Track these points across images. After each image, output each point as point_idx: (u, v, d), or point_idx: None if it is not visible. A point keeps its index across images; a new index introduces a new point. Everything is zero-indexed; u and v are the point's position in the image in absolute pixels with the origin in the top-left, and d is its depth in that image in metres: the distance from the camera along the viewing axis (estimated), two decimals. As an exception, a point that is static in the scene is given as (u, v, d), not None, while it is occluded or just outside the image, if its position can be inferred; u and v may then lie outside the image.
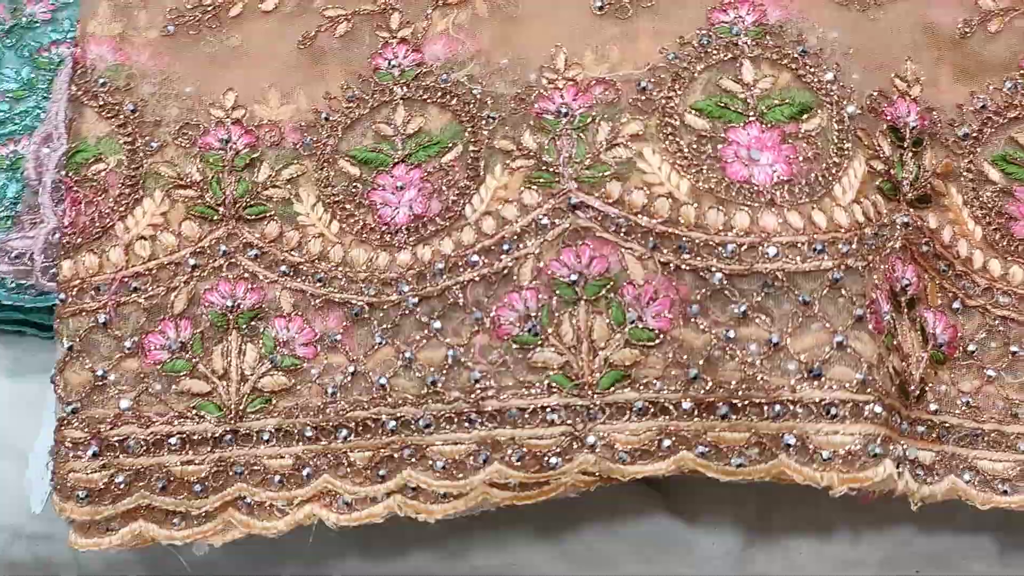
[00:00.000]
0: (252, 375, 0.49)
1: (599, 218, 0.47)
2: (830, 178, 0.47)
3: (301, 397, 0.48)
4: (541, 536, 0.58)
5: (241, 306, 0.49)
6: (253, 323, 0.49)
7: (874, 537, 0.56)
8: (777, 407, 0.44)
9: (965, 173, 0.51)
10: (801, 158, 0.47)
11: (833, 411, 0.44)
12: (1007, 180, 0.51)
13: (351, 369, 0.48)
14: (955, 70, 0.52)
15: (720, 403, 0.45)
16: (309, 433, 0.48)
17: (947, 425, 0.48)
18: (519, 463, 0.46)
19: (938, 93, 0.51)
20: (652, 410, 0.45)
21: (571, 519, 0.58)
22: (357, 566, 0.58)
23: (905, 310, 0.48)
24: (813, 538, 0.57)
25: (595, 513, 0.58)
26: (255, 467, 0.48)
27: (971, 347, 0.49)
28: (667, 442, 0.45)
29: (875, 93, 0.49)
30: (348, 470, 0.47)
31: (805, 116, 0.47)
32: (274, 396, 0.49)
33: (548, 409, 0.46)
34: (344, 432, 0.48)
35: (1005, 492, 0.47)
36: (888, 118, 0.49)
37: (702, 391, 0.45)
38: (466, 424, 0.46)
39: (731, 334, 0.45)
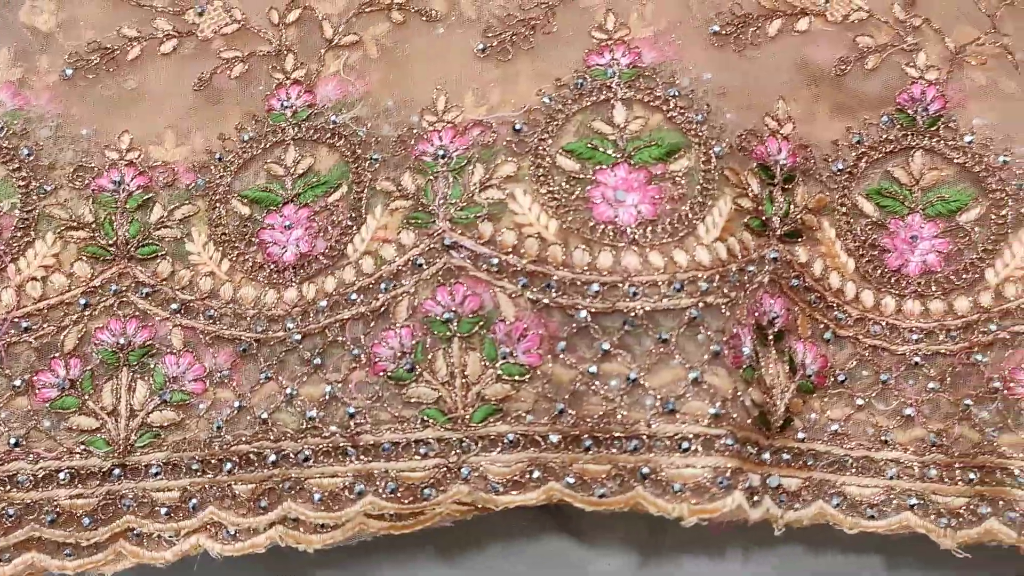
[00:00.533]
0: (141, 411, 0.50)
1: (472, 257, 0.48)
2: (694, 218, 0.48)
3: (189, 431, 0.50)
4: (444, 555, 0.59)
5: (132, 343, 0.51)
6: (144, 360, 0.51)
7: (764, 555, 0.57)
8: (635, 441, 0.46)
9: (839, 207, 0.52)
10: (667, 198, 0.48)
11: (685, 445, 0.45)
12: (881, 213, 0.52)
13: (237, 404, 0.50)
14: (832, 107, 0.53)
15: (584, 436, 0.46)
16: (195, 467, 0.50)
17: (815, 452, 0.49)
18: (392, 495, 0.47)
19: (814, 130, 0.52)
20: (523, 442, 0.47)
21: (473, 539, 0.60)
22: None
23: (772, 342, 0.49)
24: (705, 556, 0.59)
25: (495, 534, 0.59)
26: (143, 500, 0.49)
27: (841, 376, 0.50)
28: (537, 473, 0.47)
29: (745, 133, 0.50)
30: (232, 502, 0.49)
31: (673, 157, 0.49)
32: (163, 431, 0.50)
33: (421, 443, 0.48)
34: (228, 465, 0.49)
35: (872, 517, 0.49)
36: (758, 156, 0.50)
37: (568, 424, 0.46)
38: (342, 458, 0.48)
39: (594, 370, 0.47)
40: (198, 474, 0.49)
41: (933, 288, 0.51)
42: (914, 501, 0.49)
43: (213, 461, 0.49)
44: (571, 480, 0.46)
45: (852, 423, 0.50)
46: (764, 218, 0.50)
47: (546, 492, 0.46)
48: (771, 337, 0.49)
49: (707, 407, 0.45)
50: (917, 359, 0.50)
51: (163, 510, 0.49)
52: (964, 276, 0.51)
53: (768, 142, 0.51)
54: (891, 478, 0.49)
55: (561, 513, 0.58)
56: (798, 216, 0.51)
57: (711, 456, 0.45)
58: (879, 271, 0.51)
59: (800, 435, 0.49)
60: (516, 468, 0.47)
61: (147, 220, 0.52)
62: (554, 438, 0.46)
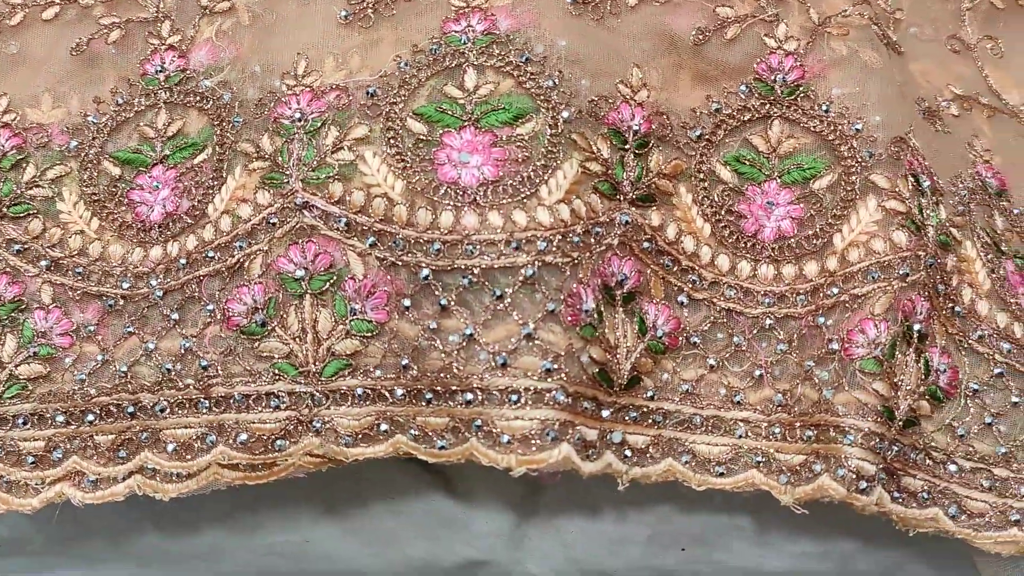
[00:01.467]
0: (10, 363, 0.52)
1: (323, 217, 0.50)
2: (537, 180, 0.49)
3: (55, 384, 0.52)
4: (329, 513, 0.61)
5: (2, 298, 0.52)
6: (14, 315, 0.52)
7: (639, 515, 0.59)
8: (469, 394, 0.47)
9: (696, 173, 0.53)
10: (510, 161, 0.49)
11: (515, 398, 0.47)
12: (739, 179, 0.53)
13: (101, 358, 0.51)
14: (692, 76, 0.54)
15: (426, 390, 0.48)
16: (60, 418, 0.51)
17: (664, 411, 0.50)
18: (244, 445, 0.49)
19: (675, 98, 0.54)
20: (371, 396, 0.48)
21: (358, 497, 0.62)
22: (152, 542, 0.61)
23: (620, 303, 0.50)
24: (580, 517, 0.60)
25: (379, 492, 0.61)
26: (10, 449, 0.51)
27: (695, 338, 0.51)
28: (384, 426, 0.48)
29: (597, 98, 0.52)
30: (94, 452, 0.51)
31: (520, 121, 0.50)
32: (30, 383, 0.52)
33: (273, 395, 0.49)
34: (91, 416, 0.51)
35: (720, 474, 0.50)
36: (610, 122, 0.52)
37: (412, 379, 0.48)
38: (195, 409, 0.50)
39: (435, 326, 0.48)
40: (62, 425, 0.51)
41: (786, 253, 0.52)
42: (759, 459, 0.50)
43: (76, 412, 0.51)
44: (415, 433, 0.48)
45: (705, 383, 0.51)
46: (614, 182, 0.51)
47: (393, 445, 0.48)
48: (619, 298, 0.50)
49: (539, 361, 0.47)
50: (769, 321, 0.51)
51: (29, 459, 0.51)
52: (815, 241, 0.52)
53: (621, 108, 0.52)
54: (739, 437, 0.50)
55: (444, 474, 0.60)
56: (651, 181, 0.52)
57: (540, 409, 0.46)
58: (735, 236, 0.52)
59: (649, 394, 0.50)
60: (365, 422, 0.48)
61: (20, 179, 0.54)
62: (399, 392, 0.48)
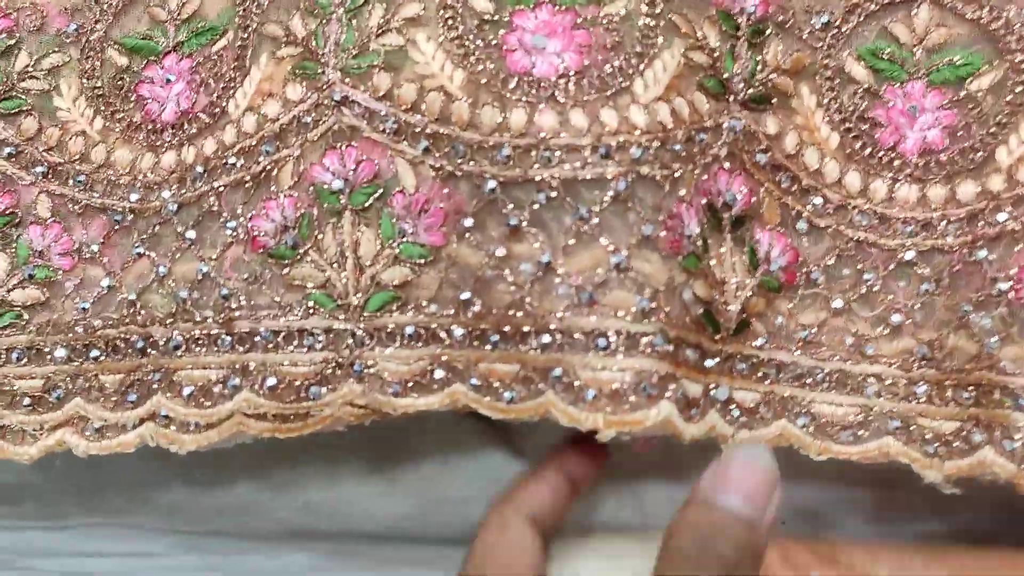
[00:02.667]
0: (2, 287, 0.44)
1: (367, 115, 0.41)
2: (630, 71, 0.40)
3: (55, 312, 0.44)
4: (376, 470, 0.54)
5: (-8, 211, 0.45)
6: (6, 230, 0.45)
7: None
8: (545, 336, 0.38)
9: (822, 70, 0.43)
10: (597, 47, 0.40)
11: (603, 342, 0.38)
12: (875, 78, 0.43)
13: (106, 283, 0.44)
14: None
15: (491, 331, 0.39)
16: (60, 353, 0.44)
17: (778, 363, 0.41)
18: (272, 392, 0.41)
19: None
20: (424, 336, 0.40)
21: (407, 453, 0.54)
22: (179, 495, 0.54)
23: (728, 228, 0.41)
24: (660, 479, 0.53)
25: (430, 447, 0.54)
26: (3, 387, 0.44)
27: (816, 274, 0.42)
28: (439, 373, 0.40)
29: None
30: (99, 394, 0.43)
31: None
32: (26, 311, 0.44)
33: (306, 333, 0.41)
34: (95, 352, 0.43)
35: (846, 441, 0.41)
36: (718, 2, 0.41)
37: (474, 316, 0.39)
38: (215, 347, 0.42)
39: (503, 252, 0.39)
40: (63, 361, 0.44)
41: (934, 170, 0.42)
42: (896, 424, 0.41)
43: (78, 346, 0.44)
44: (476, 382, 0.39)
45: (827, 330, 0.42)
46: (723, 77, 0.41)
47: (450, 396, 0.40)
48: (727, 222, 0.41)
49: (633, 297, 0.38)
50: (910, 255, 0.42)
51: (25, 400, 0.44)
52: (971, 156, 0.42)
53: None
54: (870, 396, 0.41)
55: (504, 429, 0.52)
56: (768, 78, 0.42)
57: (634, 357, 0.38)
58: (869, 149, 0.43)
59: (760, 341, 0.41)
60: (416, 367, 0.40)
61: (10, 69, 0.45)
62: (458, 332, 0.39)
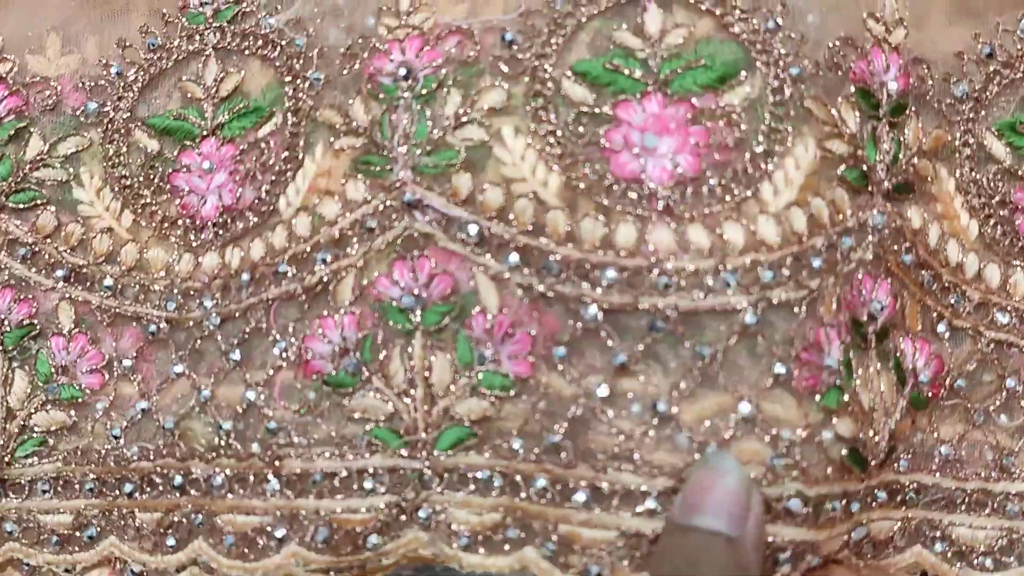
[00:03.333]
0: (22, 410, 0.39)
1: (443, 222, 0.35)
2: (756, 174, 0.33)
3: (83, 438, 0.39)
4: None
5: (8, 321, 0.39)
6: (23, 343, 0.39)
7: None
8: (651, 501, 0.32)
9: (961, 148, 0.37)
10: (716, 145, 0.33)
11: None
12: (1015, 157, 0.37)
13: (141, 406, 0.38)
14: (951, 4, 0.38)
15: (580, 486, 0.33)
16: (91, 485, 0.38)
17: (918, 486, 0.36)
18: (324, 544, 0.35)
19: (927, 38, 0.38)
20: (500, 483, 0.34)
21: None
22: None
23: (872, 344, 0.35)
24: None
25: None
26: (28, 524, 0.39)
27: (959, 382, 0.37)
28: (513, 531, 0.34)
29: (838, 43, 0.35)
30: (135, 534, 0.38)
31: (729, 83, 0.34)
32: (50, 436, 0.39)
33: (367, 473, 0.35)
34: (128, 487, 0.38)
35: (986, 568, 0.36)
36: (857, 77, 0.35)
37: (563, 464, 0.33)
38: (260, 489, 0.36)
39: (605, 392, 0.33)
40: (93, 495, 0.38)
41: None
42: None
43: (110, 480, 0.38)
44: (552, 548, 0.33)
45: (967, 445, 0.37)
46: (866, 167, 0.35)
47: (519, 560, 0.34)
48: (871, 337, 0.35)
49: (765, 451, 0.32)
50: None
51: (53, 538, 0.39)
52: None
53: (872, 54, 0.35)
54: (1012, 516, 0.37)
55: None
56: (910, 162, 0.36)
57: (773, 523, 0.32)
58: (1009, 238, 0.37)
59: (902, 464, 0.36)
60: (488, 519, 0.34)
61: (22, 157, 0.40)
62: (541, 482, 0.34)
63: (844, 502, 0.34)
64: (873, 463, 0.34)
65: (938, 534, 0.36)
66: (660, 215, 0.33)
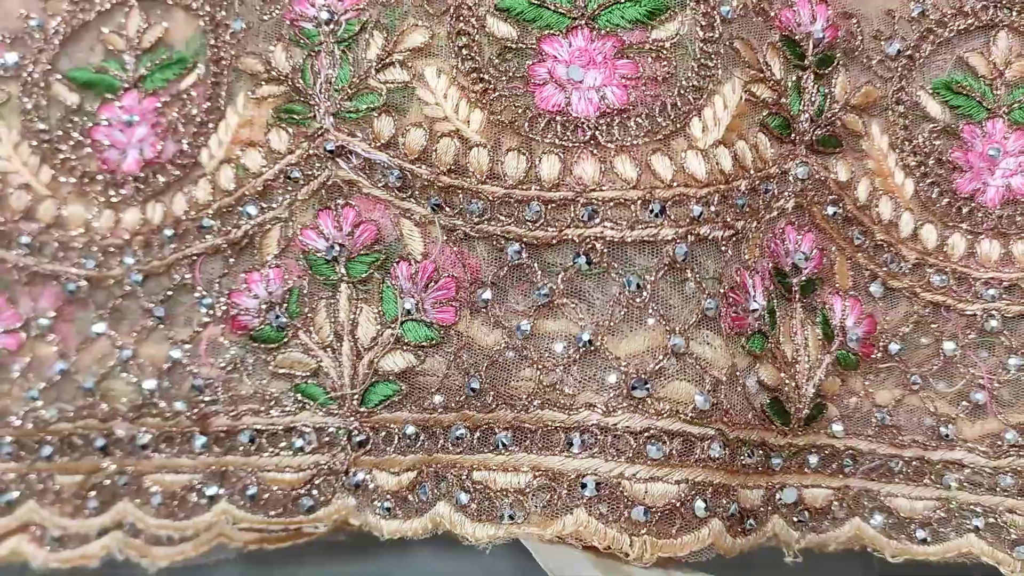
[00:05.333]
0: (-64, 372, 0.38)
1: (366, 168, 0.34)
2: (686, 108, 0.33)
3: (0, 400, 0.37)
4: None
5: (-79, 281, 0.38)
6: (-62, 304, 0.38)
7: None
8: (577, 437, 0.32)
9: (894, 105, 0.37)
10: (645, 79, 0.33)
11: (656, 449, 0.31)
12: (951, 116, 0.37)
13: (60, 367, 0.37)
14: None
15: (499, 428, 0.32)
16: (7, 449, 0.37)
17: (854, 452, 0.35)
18: (253, 503, 0.34)
19: None
20: (421, 438, 0.33)
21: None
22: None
23: (797, 296, 0.34)
24: None
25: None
26: (-57, 490, 0.37)
27: (893, 345, 0.36)
28: (425, 489, 0.33)
29: None
30: (55, 498, 0.36)
31: (657, 19, 0.33)
32: (-35, 400, 0.37)
33: (295, 431, 0.34)
34: (48, 450, 0.37)
35: (924, 540, 0.35)
36: (782, 25, 0.35)
37: (482, 408, 0.32)
38: (188, 447, 0.35)
39: (528, 327, 0.32)
40: (9, 458, 0.37)
41: (1019, 223, 0.37)
42: (980, 521, 0.35)
43: (28, 443, 0.37)
44: (464, 498, 0.32)
45: (904, 410, 0.36)
46: (789, 115, 0.34)
47: (431, 519, 0.33)
48: (796, 288, 0.34)
49: (692, 391, 0.31)
50: (993, 323, 0.36)
51: (-31, 504, 0.37)
52: (1062, 206, 0.36)
53: (798, 4, 0.35)
54: (951, 488, 0.36)
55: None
56: (836, 115, 0.36)
57: (688, 468, 0.31)
58: (946, 198, 0.37)
59: (836, 427, 0.35)
60: (405, 479, 0.33)
61: (-62, 110, 0.38)
62: (460, 431, 0.33)
63: (763, 453, 0.33)
64: (796, 419, 0.34)
65: (876, 505, 0.36)
66: (585, 147, 0.32)
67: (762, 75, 0.34)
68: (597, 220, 0.32)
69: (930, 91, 0.37)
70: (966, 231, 0.37)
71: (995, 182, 0.37)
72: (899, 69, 0.37)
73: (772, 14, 0.35)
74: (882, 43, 0.37)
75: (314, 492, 0.34)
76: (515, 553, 0.48)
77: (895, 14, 0.37)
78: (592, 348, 0.32)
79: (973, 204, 0.37)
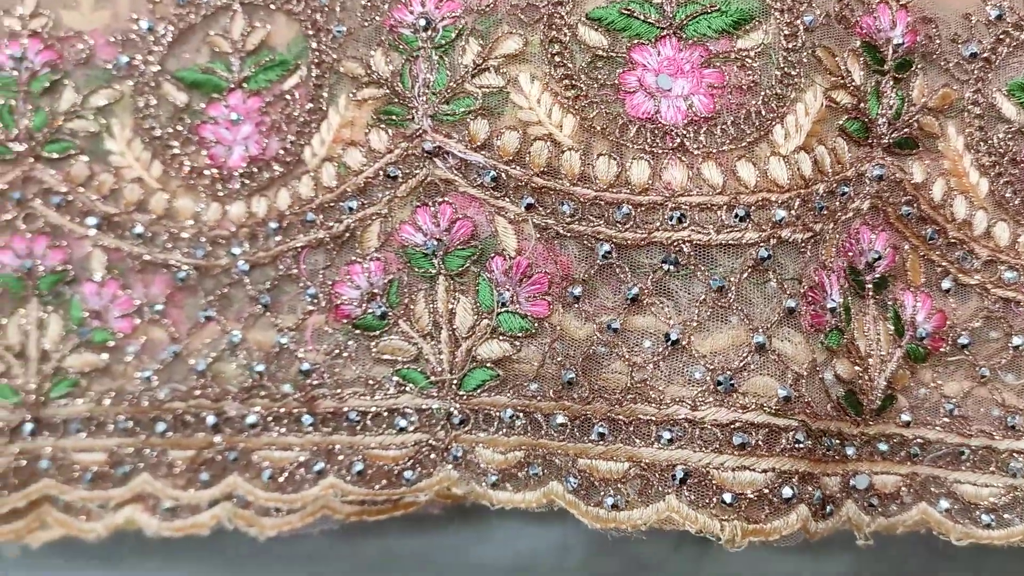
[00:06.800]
0: (56, 352, 0.40)
1: (462, 168, 0.36)
2: (769, 116, 0.34)
3: (115, 380, 0.40)
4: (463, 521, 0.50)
5: (42, 267, 0.40)
6: (58, 288, 0.41)
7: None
8: (667, 432, 0.34)
9: (970, 107, 0.38)
10: (731, 88, 0.34)
11: (741, 438, 0.33)
12: None
13: (172, 349, 0.40)
14: None
15: (597, 420, 0.34)
16: (124, 425, 0.40)
17: (923, 441, 0.37)
18: (360, 477, 0.37)
19: None
20: (522, 421, 0.36)
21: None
22: (254, 545, 0.51)
23: (871, 293, 0.36)
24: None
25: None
26: (63, 462, 0.40)
27: (963, 339, 0.37)
28: (536, 468, 0.35)
29: None
30: (167, 471, 0.39)
31: (742, 28, 0.35)
32: (83, 378, 0.40)
33: (397, 412, 0.37)
34: (162, 426, 0.39)
35: (989, 525, 0.37)
36: (863, 31, 0.36)
37: (579, 400, 0.35)
38: (296, 427, 0.37)
39: (618, 325, 0.34)
40: (126, 434, 0.40)
41: None
42: None
43: (144, 420, 0.40)
44: (575, 482, 0.35)
45: (972, 401, 0.38)
46: (867, 120, 0.36)
47: (546, 495, 0.35)
48: (870, 285, 0.36)
49: (775, 386, 0.33)
50: None
51: (87, 475, 0.40)
52: None
53: (879, 11, 0.36)
54: (1016, 475, 0.37)
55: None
56: (914, 118, 0.37)
57: (774, 457, 0.33)
58: (1020, 197, 0.38)
59: (905, 417, 0.37)
60: (513, 457, 0.36)
61: (55, 108, 0.41)
62: (559, 419, 0.35)
63: (839, 442, 0.35)
64: (868, 409, 0.35)
65: (943, 491, 0.37)
66: (674, 153, 0.34)
67: (842, 81, 0.35)
68: (685, 224, 0.34)
69: (1006, 93, 0.38)
70: None
71: (1065, 179, 0.38)
72: (975, 72, 0.38)
73: (853, 21, 0.36)
74: (959, 46, 0.38)
75: (416, 467, 0.36)
76: (587, 526, 0.50)
77: (972, 17, 0.38)
78: (679, 346, 0.34)
79: None
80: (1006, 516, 0.37)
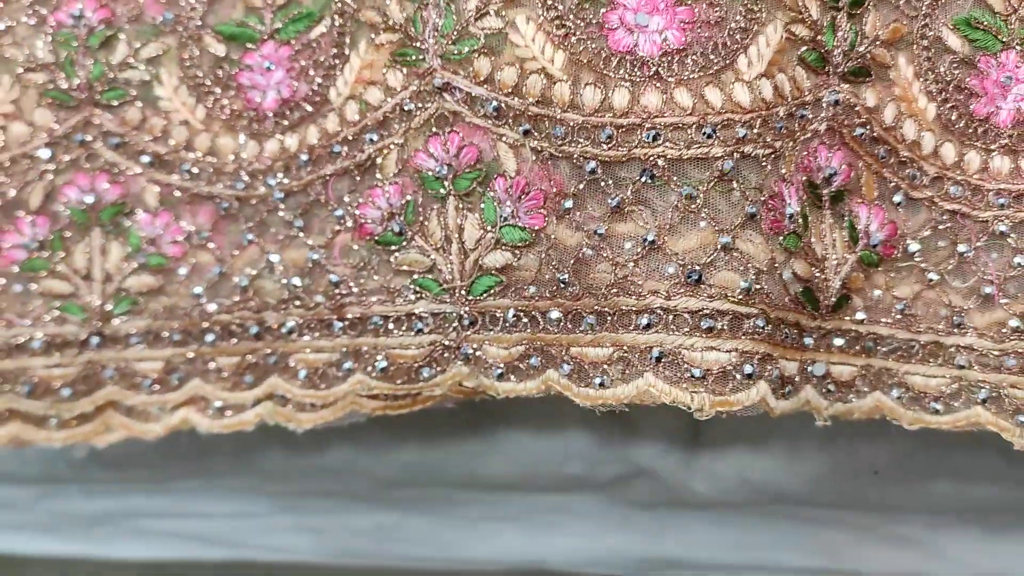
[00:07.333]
0: (117, 275, 0.46)
1: (468, 100, 0.41)
2: (734, 47, 0.39)
3: (169, 298, 0.46)
4: (474, 433, 0.56)
5: (103, 201, 0.46)
6: (117, 219, 0.46)
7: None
8: (645, 318, 0.39)
9: (919, 40, 0.42)
10: (700, 23, 0.39)
11: (708, 323, 0.38)
12: (970, 48, 0.42)
13: (218, 269, 0.45)
14: None
15: (587, 312, 0.40)
16: (177, 337, 0.45)
17: (876, 336, 0.42)
18: (383, 374, 0.42)
19: None
20: (523, 320, 0.41)
21: (504, 417, 0.56)
22: (281, 459, 0.57)
23: (828, 204, 0.41)
24: (753, 442, 0.54)
25: (529, 410, 0.55)
26: (125, 370, 0.46)
27: (913, 246, 0.42)
28: (535, 359, 0.41)
29: None
30: (216, 376, 0.45)
31: None
32: (141, 297, 0.46)
33: (415, 316, 0.42)
34: (211, 336, 0.45)
35: (937, 411, 0.42)
36: None
37: (571, 297, 0.40)
38: (328, 331, 0.43)
39: (603, 230, 0.40)
40: (180, 344, 0.45)
41: None
42: (985, 395, 0.42)
43: (194, 331, 0.45)
44: (568, 368, 0.40)
45: (922, 302, 0.42)
46: (823, 51, 0.41)
47: (545, 382, 0.41)
48: (827, 198, 0.41)
49: (738, 279, 0.38)
50: (1002, 227, 0.42)
51: (146, 382, 0.46)
52: (1069, 126, 0.42)
53: None
54: (961, 367, 0.42)
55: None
56: (867, 49, 0.42)
57: (738, 339, 0.38)
58: (964, 120, 0.42)
59: (860, 315, 0.42)
60: (515, 351, 0.41)
61: (111, 60, 0.46)
62: (554, 315, 0.40)
63: (797, 332, 0.40)
64: (824, 305, 0.40)
65: (895, 381, 0.42)
66: (650, 80, 0.39)
67: (801, 16, 0.40)
68: (660, 141, 0.39)
69: (951, 27, 0.42)
70: (981, 148, 0.42)
71: (1007, 106, 0.42)
72: (924, 8, 0.42)
73: None
74: None
75: (432, 364, 0.42)
76: (590, 432, 0.55)
77: None
78: (656, 246, 0.39)
79: (987, 125, 0.42)
80: (952, 403, 0.42)
